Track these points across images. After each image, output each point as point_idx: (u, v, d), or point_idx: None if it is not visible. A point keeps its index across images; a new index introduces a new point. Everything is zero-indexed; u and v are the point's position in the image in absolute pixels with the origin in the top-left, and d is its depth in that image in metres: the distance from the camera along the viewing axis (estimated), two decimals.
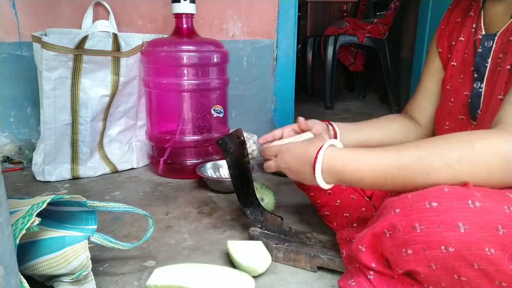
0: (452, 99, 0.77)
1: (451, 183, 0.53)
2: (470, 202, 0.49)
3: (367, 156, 0.59)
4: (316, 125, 0.80)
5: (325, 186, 0.64)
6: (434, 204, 0.51)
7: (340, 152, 0.62)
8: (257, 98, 1.69)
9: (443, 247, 0.50)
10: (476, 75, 0.71)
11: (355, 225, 0.81)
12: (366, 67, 3.10)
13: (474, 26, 0.74)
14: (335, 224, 0.83)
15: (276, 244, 0.80)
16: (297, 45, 1.91)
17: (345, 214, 0.80)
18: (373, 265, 0.59)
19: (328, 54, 2.61)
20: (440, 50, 0.81)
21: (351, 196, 0.83)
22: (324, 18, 3.37)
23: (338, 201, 0.83)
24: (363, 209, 0.79)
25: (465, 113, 0.74)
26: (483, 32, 0.72)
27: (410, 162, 0.55)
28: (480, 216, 0.48)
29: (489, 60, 0.69)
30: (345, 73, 3.42)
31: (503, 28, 0.67)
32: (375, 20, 2.65)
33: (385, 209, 0.57)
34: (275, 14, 1.62)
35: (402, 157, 0.56)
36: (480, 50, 0.71)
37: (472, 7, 0.76)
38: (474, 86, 0.71)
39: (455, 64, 0.77)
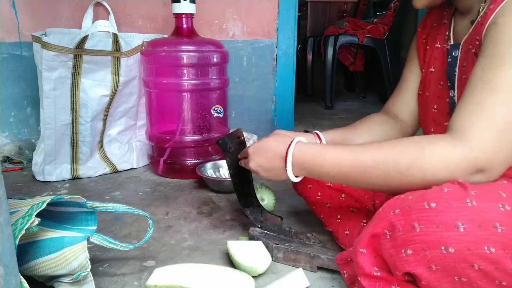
0: (436, 106, 0.77)
1: (403, 185, 0.57)
2: (468, 201, 0.50)
3: (331, 154, 0.64)
4: (302, 136, 0.81)
5: (294, 179, 0.70)
6: (433, 204, 0.51)
7: (307, 147, 0.68)
8: (257, 98, 1.69)
9: (443, 248, 0.50)
10: (449, 84, 0.73)
11: (358, 238, 0.79)
12: (366, 67, 3.10)
13: (447, 34, 0.75)
14: (340, 242, 0.82)
15: (276, 244, 0.80)
16: (297, 45, 1.91)
17: (345, 232, 0.79)
18: (375, 269, 0.59)
19: (328, 54, 2.61)
20: (418, 53, 0.83)
21: (351, 209, 0.81)
22: (324, 18, 3.37)
23: (339, 216, 0.82)
24: (364, 221, 0.78)
25: (449, 120, 0.75)
26: (452, 42, 0.74)
27: (367, 165, 0.60)
28: (478, 215, 0.49)
29: (457, 69, 0.70)
30: (345, 73, 3.42)
31: (465, 37, 0.69)
32: (375, 20, 2.65)
33: (384, 210, 0.57)
34: (275, 14, 1.62)
35: (360, 159, 0.61)
36: (449, 59, 0.73)
37: (445, 15, 0.77)
38: (450, 94, 0.73)
39: (433, 70, 0.78)
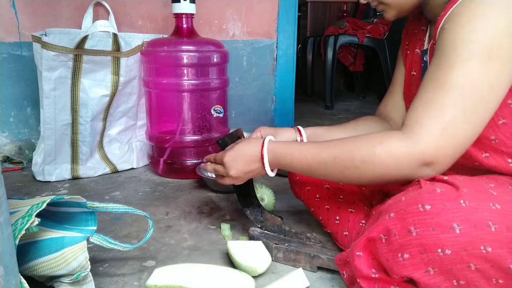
0: None
1: (360, 179, 0.63)
2: (462, 201, 0.50)
3: (298, 149, 0.70)
4: (284, 133, 0.87)
5: (272, 174, 0.75)
6: (428, 207, 0.52)
7: (277, 145, 0.73)
8: (257, 98, 1.69)
9: (439, 250, 0.50)
10: None
11: (355, 242, 0.80)
12: (366, 67, 3.10)
13: (424, 39, 0.79)
14: (339, 243, 0.83)
15: (276, 244, 0.80)
16: (297, 45, 1.91)
17: (344, 233, 0.80)
18: (373, 271, 0.59)
19: (328, 54, 2.61)
20: (402, 57, 0.87)
21: (349, 209, 0.82)
22: (324, 18, 3.37)
23: (337, 217, 0.82)
24: (362, 222, 0.78)
25: None
26: (424, 47, 0.78)
27: (326, 160, 0.65)
28: (472, 215, 0.49)
29: None
30: (345, 73, 3.42)
31: (430, 43, 0.73)
32: (375, 20, 2.65)
33: (380, 214, 0.58)
34: (275, 14, 1.62)
35: (322, 154, 0.66)
36: (422, 64, 0.77)
37: (423, 22, 0.80)
38: None
39: (415, 74, 0.81)
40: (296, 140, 0.87)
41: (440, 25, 0.62)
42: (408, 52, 0.84)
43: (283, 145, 0.73)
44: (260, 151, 0.73)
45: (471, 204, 0.50)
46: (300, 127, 0.88)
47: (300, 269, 0.73)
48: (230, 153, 0.76)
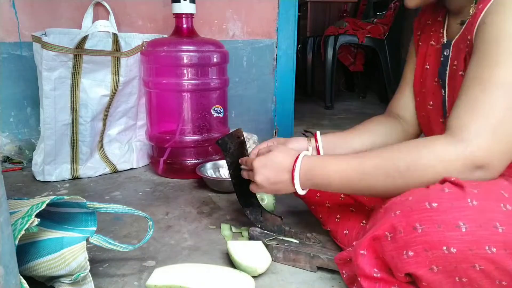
0: (431, 102, 0.78)
1: (406, 187, 0.58)
2: (469, 200, 0.50)
3: (335, 164, 0.66)
4: (295, 141, 0.86)
5: (301, 191, 0.71)
6: (434, 204, 0.51)
7: (313, 160, 0.70)
8: (257, 98, 1.69)
9: (444, 248, 0.50)
10: (441, 82, 0.74)
11: (354, 243, 0.79)
12: (366, 67, 3.10)
13: (441, 31, 0.76)
14: (338, 241, 0.83)
15: (276, 244, 0.80)
16: (297, 45, 1.90)
17: (344, 232, 0.79)
18: (375, 270, 0.59)
19: (328, 54, 2.61)
20: (415, 49, 0.84)
21: (350, 208, 0.81)
22: (324, 18, 3.37)
23: (338, 216, 0.82)
24: (363, 221, 0.78)
25: (443, 116, 0.76)
26: (445, 41, 0.75)
27: (369, 170, 0.62)
28: (479, 214, 0.49)
29: (448, 68, 0.71)
30: (345, 73, 3.42)
31: (456, 37, 0.70)
32: (375, 20, 2.65)
33: (385, 212, 0.58)
34: (275, 14, 1.62)
35: (363, 165, 0.63)
36: (442, 58, 0.74)
37: (440, 13, 0.78)
38: (442, 93, 0.74)
39: (428, 67, 0.78)
40: (309, 147, 0.85)
41: (480, 18, 0.60)
42: (421, 43, 0.81)
43: (319, 158, 0.71)
44: (292, 163, 0.70)
45: (481, 203, 0.49)
46: (317, 133, 0.86)
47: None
48: (261, 158, 0.74)
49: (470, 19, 0.63)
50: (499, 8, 0.57)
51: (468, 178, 0.54)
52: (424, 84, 0.80)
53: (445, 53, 0.73)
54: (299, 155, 0.70)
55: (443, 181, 0.55)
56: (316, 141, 0.85)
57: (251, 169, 0.75)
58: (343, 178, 0.65)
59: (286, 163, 0.71)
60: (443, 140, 0.57)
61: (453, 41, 0.71)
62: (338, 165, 0.66)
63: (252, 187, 0.77)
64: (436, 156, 0.56)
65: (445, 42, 0.74)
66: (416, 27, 0.84)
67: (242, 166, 0.81)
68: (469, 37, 0.63)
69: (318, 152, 0.85)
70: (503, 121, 0.54)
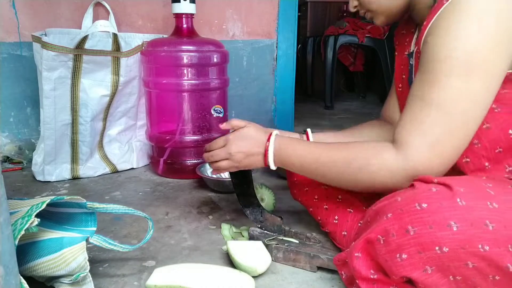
0: None
1: (355, 186, 0.67)
2: (458, 200, 0.50)
3: (300, 149, 0.72)
4: (291, 135, 0.90)
5: (273, 166, 0.76)
6: (424, 205, 0.52)
7: (283, 140, 0.75)
8: (257, 98, 1.69)
9: (437, 248, 0.50)
10: None
11: (353, 244, 0.80)
12: (366, 67, 3.10)
13: (412, 42, 0.79)
14: (337, 242, 0.83)
15: (276, 244, 0.80)
16: (297, 45, 1.91)
17: (343, 233, 0.80)
18: (372, 271, 0.59)
19: (328, 54, 2.61)
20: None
21: (348, 209, 0.82)
22: (324, 18, 3.37)
23: (336, 217, 0.82)
24: (361, 222, 0.78)
25: None
26: (411, 50, 0.78)
27: (327, 163, 0.68)
28: (468, 213, 0.49)
29: (413, 77, 0.75)
30: (345, 73, 3.42)
31: (416, 48, 0.72)
32: None
33: (377, 214, 0.59)
34: (275, 14, 1.62)
35: (322, 157, 0.69)
36: (409, 67, 0.77)
37: (413, 24, 0.80)
38: None
39: (404, 77, 0.81)
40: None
41: (423, 36, 0.62)
42: (397, 53, 0.84)
43: (288, 139, 0.76)
44: (267, 138, 0.75)
45: (468, 203, 0.50)
46: (309, 130, 0.91)
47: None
48: (236, 132, 0.78)
49: (420, 33, 0.65)
50: (437, 30, 0.59)
51: (406, 185, 0.59)
52: (403, 92, 0.83)
53: (410, 62, 0.76)
54: (271, 133, 0.76)
55: (429, 181, 0.56)
56: (308, 138, 0.89)
57: (223, 145, 0.78)
58: (302, 163, 0.71)
59: (260, 138, 0.76)
60: (391, 151, 0.62)
61: (414, 51, 0.74)
62: (302, 150, 0.72)
63: (222, 164, 0.79)
64: (383, 166, 0.62)
65: (411, 51, 0.77)
66: (395, 38, 0.87)
67: (209, 146, 0.82)
68: (419, 50, 0.65)
69: None
70: (439, 139, 0.58)
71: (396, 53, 0.84)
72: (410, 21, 0.80)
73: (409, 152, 0.59)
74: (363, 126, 0.92)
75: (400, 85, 0.84)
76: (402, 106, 0.85)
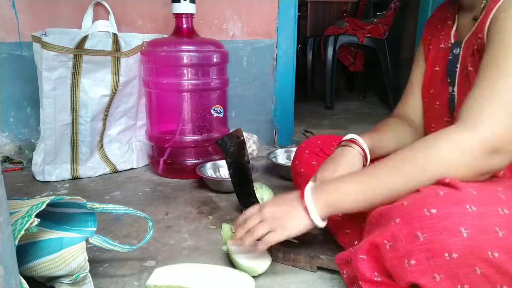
0: (438, 102, 0.79)
1: (428, 180, 0.56)
2: (467, 206, 0.49)
3: (350, 186, 0.64)
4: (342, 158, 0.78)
5: (321, 223, 0.67)
6: (433, 210, 0.51)
7: (322, 185, 0.67)
8: (257, 98, 1.69)
9: (446, 254, 0.49)
10: (449, 80, 0.75)
11: (356, 243, 0.79)
12: (366, 67, 3.10)
13: (450, 34, 0.78)
14: (339, 240, 0.82)
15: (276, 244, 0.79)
16: (297, 45, 1.90)
17: (346, 231, 0.79)
18: (376, 274, 0.58)
19: (328, 54, 2.61)
20: (424, 52, 0.85)
21: None
22: (324, 18, 3.37)
23: (339, 215, 0.82)
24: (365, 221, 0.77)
25: (449, 115, 0.77)
26: (453, 40, 0.76)
27: (389, 171, 0.60)
28: (479, 219, 0.49)
29: (458, 65, 0.73)
30: (345, 73, 3.42)
31: (468, 35, 0.71)
32: (375, 20, 2.65)
33: (382, 217, 0.57)
34: (275, 14, 1.62)
35: (378, 171, 0.61)
36: (451, 57, 0.75)
37: (449, 17, 0.79)
38: (449, 90, 0.75)
39: (438, 69, 0.80)
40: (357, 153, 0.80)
41: (491, 16, 0.62)
42: (431, 47, 0.82)
43: (329, 185, 0.67)
44: (300, 192, 0.67)
45: (479, 209, 0.49)
46: (357, 137, 0.80)
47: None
48: (267, 201, 0.73)
49: (482, 17, 0.64)
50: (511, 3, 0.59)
51: (486, 162, 0.54)
52: (433, 85, 0.81)
53: (454, 51, 0.74)
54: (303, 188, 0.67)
55: (436, 183, 0.55)
56: (359, 145, 0.80)
57: (255, 213, 0.70)
58: (358, 199, 0.63)
59: (292, 195, 0.69)
60: (455, 128, 0.57)
61: (465, 39, 0.72)
62: (354, 187, 0.63)
63: (268, 238, 0.68)
64: (453, 143, 0.55)
65: (454, 41, 0.76)
66: (427, 32, 0.85)
67: (240, 222, 0.72)
68: (479, 35, 0.64)
69: (366, 157, 0.80)
70: None
71: (430, 47, 0.82)
72: (447, 14, 0.79)
73: (482, 121, 0.55)
74: (386, 126, 0.86)
75: (431, 79, 0.81)
76: (427, 101, 0.82)
